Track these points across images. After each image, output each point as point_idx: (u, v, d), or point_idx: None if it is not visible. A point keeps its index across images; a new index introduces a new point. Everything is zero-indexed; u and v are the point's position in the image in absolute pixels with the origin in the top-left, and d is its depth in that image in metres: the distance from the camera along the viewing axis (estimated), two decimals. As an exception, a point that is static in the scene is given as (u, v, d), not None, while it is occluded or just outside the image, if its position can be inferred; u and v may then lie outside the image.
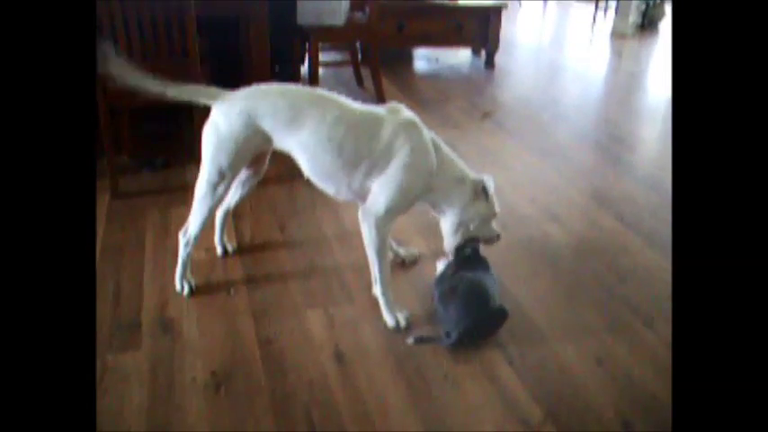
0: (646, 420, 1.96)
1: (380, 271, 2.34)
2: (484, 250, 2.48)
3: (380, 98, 4.89)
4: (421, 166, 2.24)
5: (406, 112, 2.30)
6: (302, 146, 2.26)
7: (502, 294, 2.43)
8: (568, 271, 2.73)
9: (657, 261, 2.82)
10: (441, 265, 2.48)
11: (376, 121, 2.24)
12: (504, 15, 6.15)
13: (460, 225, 2.38)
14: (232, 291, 2.51)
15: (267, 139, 2.30)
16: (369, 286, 2.51)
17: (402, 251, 2.74)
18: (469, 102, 5.08)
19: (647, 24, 8.50)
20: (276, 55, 4.52)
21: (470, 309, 2.21)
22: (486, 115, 4.70)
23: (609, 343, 2.29)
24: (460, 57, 6.59)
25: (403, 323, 2.33)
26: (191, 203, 3.11)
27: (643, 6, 8.38)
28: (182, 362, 2.13)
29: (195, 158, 3.29)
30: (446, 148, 2.36)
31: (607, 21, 8.90)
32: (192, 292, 2.48)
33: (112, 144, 3.18)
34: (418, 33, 5.93)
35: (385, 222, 2.27)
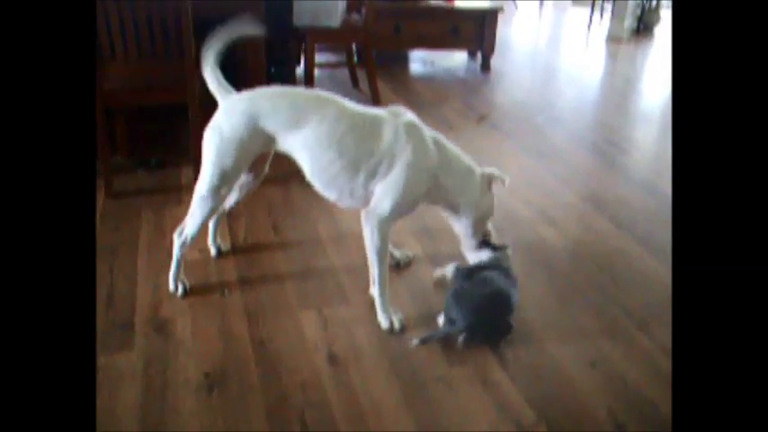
0: (639, 423, 1.96)
1: (379, 273, 2.33)
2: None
3: (376, 100, 4.89)
4: (423, 165, 2.25)
5: (408, 114, 2.31)
6: (304, 147, 2.25)
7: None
8: (563, 274, 2.73)
9: (653, 265, 2.83)
10: (450, 270, 2.48)
11: (377, 123, 2.25)
12: (500, 18, 6.16)
13: (478, 221, 2.41)
14: (226, 291, 2.50)
15: (270, 141, 2.30)
16: (364, 288, 2.51)
17: (397, 253, 2.74)
18: (465, 104, 5.09)
19: (643, 29, 8.52)
20: (272, 56, 4.52)
21: (490, 311, 2.23)
22: (481, 118, 4.70)
23: (603, 346, 2.29)
24: (456, 59, 6.59)
25: (397, 325, 2.32)
26: (186, 203, 3.10)
27: (639, 11, 8.41)
28: (175, 362, 2.12)
29: (190, 159, 3.31)
30: (451, 145, 2.37)
31: (603, 25, 8.92)
32: (186, 292, 2.48)
33: (107, 144, 3.17)
34: (414, 35, 5.94)
35: (388, 224, 2.28)
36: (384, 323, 2.34)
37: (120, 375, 2.05)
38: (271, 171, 2.72)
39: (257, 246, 2.83)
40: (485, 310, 2.22)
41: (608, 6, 8.93)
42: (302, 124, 2.23)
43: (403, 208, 2.28)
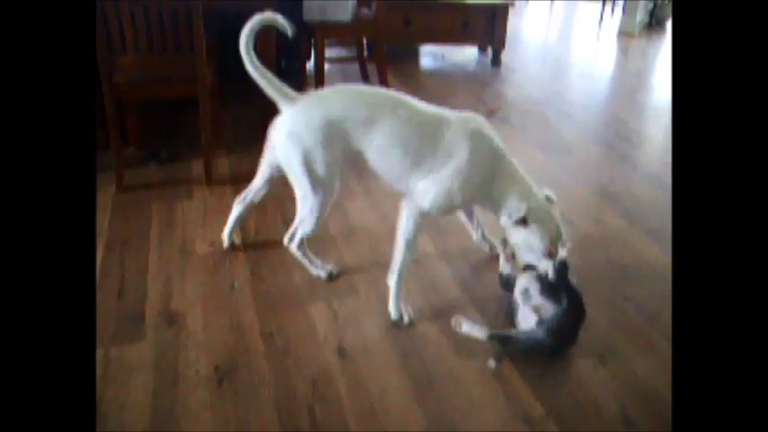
0: (649, 418, 1.96)
1: (402, 262, 2.36)
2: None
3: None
4: (473, 175, 2.25)
5: (478, 122, 2.32)
6: (373, 144, 2.29)
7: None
8: (573, 267, 2.71)
9: (662, 258, 2.82)
10: (524, 281, 2.38)
11: (442, 124, 2.27)
12: (511, 13, 6.14)
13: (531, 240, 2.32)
14: (236, 284, 2.51)
15: (349, 141, 2.31)
16: (373, 281, 2.52)
17: None
18: (475, 98, 5.07)
19: (655, 23, 8.47)
20: (282, 50, 4.52)
21: (564, 331, 2.19)
22: (491, 112, 4.69)
23: (612, 340, 2.29)
24: (467, 54, 6.57)
25: (406, 319, 2.33)
26: (195, 197, 3.13)
27: (650, 5, 8.36)
28: (185, 354, 2.13)
29: (201, 152, 3.32)
30: (511, 160, 2.33)
31: (614, 19, 8.87)
32: (331, 276, 2.58)
33: (118, 137, 3.18)
34: (424, 30, 5.92)
35: (423, 218, 2.31)
36: (394, 313, 2.35)
37: (130, 367, 2.07)
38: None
39: (267, 240, 2.84)
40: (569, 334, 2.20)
41: (619, 1, 8.89)
42: (374, 124, 2.26)
43: (442, 208, 2.30)
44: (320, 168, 2.30)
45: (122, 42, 2.95)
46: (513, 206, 2.27)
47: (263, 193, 2.67)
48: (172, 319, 2.30)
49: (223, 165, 3.53)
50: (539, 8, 9.90)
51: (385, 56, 4.84)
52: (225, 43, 4.16)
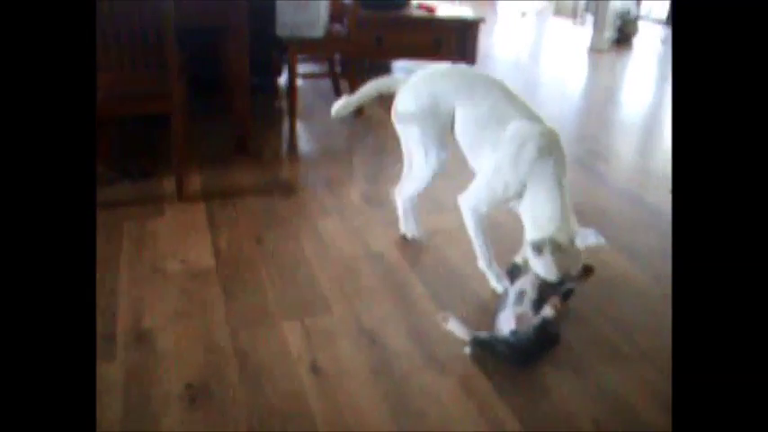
0: (621, 427, 1.97)
1: (480, 248, 2.63)
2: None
3: (358, 110, 4.89)
4: (509, 170, 2.43)
5: (544, 127, 2.50)
6: (462, 116, 2.60)
7: (477, 300, 2.46)
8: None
9: (634, 273, 2.84)
10: (526, 282, 2.42)
11: (511, 116, 2.50)
12: (482, 29, 6.18)
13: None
14: (208, 302, 2.49)
15: (451, 112, 2.64)
16: (346, 298, 2.51)
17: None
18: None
19: (623, 40, 8.60)
20: (255, 66, 4.51)
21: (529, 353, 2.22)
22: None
23: (585, 353, 2.30)
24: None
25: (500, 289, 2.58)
26: (167, 214, 3.11)
27: (618, 22, 8.48)
28: (157, 374, 2.11)
29: (173, 169, 3.30)
30: (553, 171, 2.42)
31: (584, 35, 8.98)
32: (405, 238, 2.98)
33: (88, 154, 3.14)
34: (397, 46, 5.94)
35: (477, 211, 2.57)
36: (498, 288, 2.60)
37: (101, 388, 2.03)
38: (253, 181, 2.71)
39: (240, 257, 2.82)
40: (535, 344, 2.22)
41: (589, 18, 9.00)
42: (468, 99, 2.59)
43: (492, 198, 2.51)
44: (429, 135, 2.68)
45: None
46: (534, 228, 2.41)
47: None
48: (143, 339, 2.27)
49: (194, 181, 3.51)
50: (509, 25, 9.99)
51: (357, 72, 4.85)
52: (196, 58, 4.16)
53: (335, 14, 4.84)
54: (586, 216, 3.38)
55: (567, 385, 2.15)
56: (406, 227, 3.02)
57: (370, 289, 2.63)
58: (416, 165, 2.77)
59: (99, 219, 3.08)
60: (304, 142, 4.44)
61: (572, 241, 2.36)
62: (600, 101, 6.08)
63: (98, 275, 2.62)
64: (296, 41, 4.52)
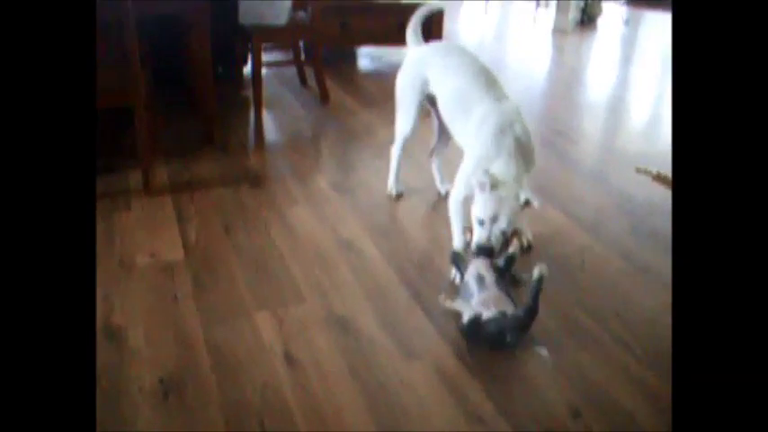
0: (594, 409, 1.99)
1: (455, 231, 2.73)
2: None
3: (324, 97, 4.87)
4: (478, 149, 2.60)
5: (507, 105, 2.73)
6: (438, 93, 2.92)
7: (449, 287, 2.46)
8: (516, 266, 2.75)
9: (603, 253, 2.87)
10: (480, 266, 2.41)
11: (479, 97, 2.71)
12: (447, 12, 6.18)
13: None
14: (179, 296, 2.47)
15: (426, 88, 3.00)
16: (318, 286, 2.51)
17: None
18: (414, 99, 5.09)
19: (587, 21, 8.64)
20: (218, 56, 4.47)
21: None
22: (429, 114, 4.71)
23: (558, 336, 2.32)
24: (404, 55, 6.59)
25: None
26: (134, 208, 3.08)
27: (582, 3, 8.52)
28: (129, 370, 2.09)
29: (138, 162, 3.26)
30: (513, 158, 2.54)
31: (548, 17, 9.02)
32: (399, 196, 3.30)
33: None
34: (361, 32, 5.92)
35: (458, 194, 2.70)
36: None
37: (72, 386, 2.01)
38: (220, 172, 2.69)
39: (209, 248, 2.80)
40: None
41: (552, 0, 9.04)
42: (446, 77, 2.86)
43: (468, 179, 2.59)
44: (404, 104, 3.14)
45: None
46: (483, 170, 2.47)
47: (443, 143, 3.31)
48: (113, 335, 2.24)
49: (162, 174, 3.47)
50: (474, 9, 9.99)
51: (322, 59, 4.82)
52: (159, 49, 4.11)
53: (298, 2, 4.80)
54: (553, 196, 3.41)
55: (541, 370, 2.17)
56: (390, 184, 3.36)
57: (342, 277, 2.62)
58: (397, 120, 3.19)
59: (64, 215, 3.04)
60: (271, 131, 4.40)
61: (514, 181, 2.47)
62: (565, 82, 6.12)
63: (65, 272, 2.58)
64: (259, 30, 4.48)
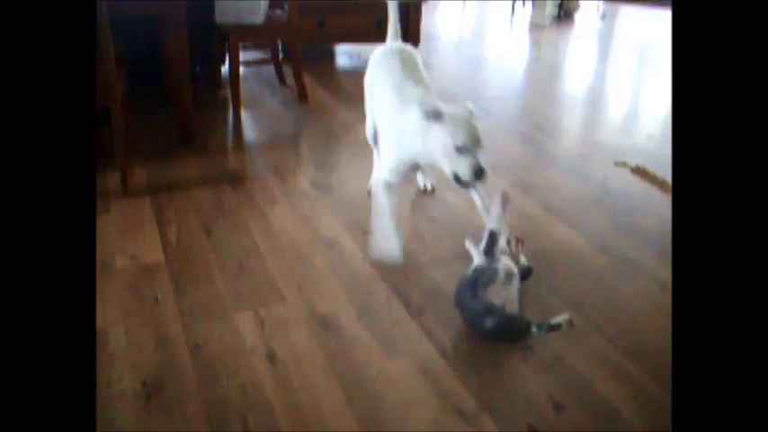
0: (576, 402, 2.00)
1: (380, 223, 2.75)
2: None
3: (303, 95, 4.87)
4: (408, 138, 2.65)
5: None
6: (375, 96, 2.99)
7: (430, 283, 2.46)
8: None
9: (583, 248, 2.89)
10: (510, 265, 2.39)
11: (407, 104, 2.68)
12: (424, 10, 6.20)
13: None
14: (159, 297, 2.46)
15: (372, 90, 3.03)
16: (299, 286, 2.51)
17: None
18: (393, 97, 5.09)
19: (564, 15, 8.69)
20: (195, 55, 4.45)
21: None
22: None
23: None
24: (382, 52, 6.60)
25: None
26: (112, 210, 3.05)
27: (559, -1, 8.57)
28: (110, 373, 2.07)
29: (116, 164, 3.23)
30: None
31: (525, 13, 9.05)
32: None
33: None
34: (339, 30, 5.92)
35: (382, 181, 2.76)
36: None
37: (52, 390, 1.99)
38: (200, 173, 2.67)
39: (190, 249, 2.79)
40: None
41: (529, -5, 9.09)
42: (379, 81, 2.93)
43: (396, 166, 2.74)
44: (368, 106, 3.15)
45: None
46: (425, 102, 2.54)
47: None
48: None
49: (140, 175, 3.45)
50: (452, 5, 10.01)
51: (300, 57, 4.81)
52: (135, 48, 4.08)
53: (275, 0, 4.80)
54: (533, 190, 3.42)
55: (523, 362, 2.18)
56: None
57: (323, 275, 2.62)
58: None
59: (42, 218, 3.01)
60: (249, 131, 4.39)
61: (469, 111, 2.61)
62: (543, 77, 6.15)
63: (44, 276, 2.56)
64: (236, 29, 4.46)
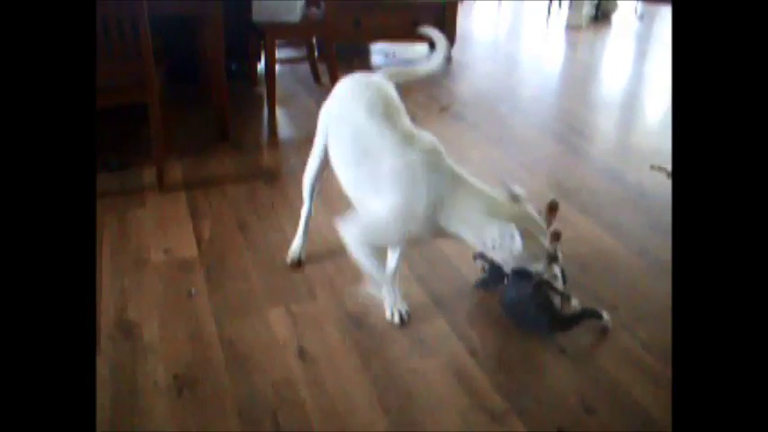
0: (607, 405, 1.98)
1: (370, 272, 2.28)
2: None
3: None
4: (406, 213, 2.09)
5: (418, 147, 2.15)
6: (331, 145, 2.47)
7: (460, 280, 2.45)
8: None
9: (619, 250, 2.85)
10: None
11: (381, 150, 2.17)
12: (460, 10, 6.17)
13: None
14: (193, 291, 2.48)
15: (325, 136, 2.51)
16: (330, 284, 2.51)
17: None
18: (427, 95, 5.08)
19: (601, 16, 8.60)
20: (232, 53, 4.48)
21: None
22: (443, 108, 4.71)
23: (572, 331, 2.30)
24: (417, 51, 6.59)
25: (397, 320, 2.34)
26: (148, 205, 3.08)
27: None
28: (143, 366, 2.10)
29: (152, 159, 3.27)
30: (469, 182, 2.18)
31: (562, 14, 8.98)
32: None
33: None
34: (374, 28, 5.93)
35: (359, 239, 2.26)
36: (394, 317, 2.35)
37: (87, 381, 2.02)
38: (234, 170, 2.69)
39: (223, 245, 2.81)
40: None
41: (566, -5, 9.01)
42: (337, 127, 2.41)
43: (384, 238, 2.30)
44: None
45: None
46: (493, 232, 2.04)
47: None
48: (128, 331, 2.26)
49: (176, 170, 3.49)
50: (487, 6, 9.96)
51: (335, 55, 4.82)
52: (172, 46, 4.12)
53: (312, -2, 4.82)
54: (568, 191, 3.39)
55: (554, 363, 2.16)
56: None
57: (354, 273, 2.62)
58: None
59: (79, 211, 3.06)
60: (284, 128, 4.41)
61: (517, 199, 2.15)
62: (579, 78, 6.09)
63: (80, 269, 2.60)
64: (273, 26, 4.49)
